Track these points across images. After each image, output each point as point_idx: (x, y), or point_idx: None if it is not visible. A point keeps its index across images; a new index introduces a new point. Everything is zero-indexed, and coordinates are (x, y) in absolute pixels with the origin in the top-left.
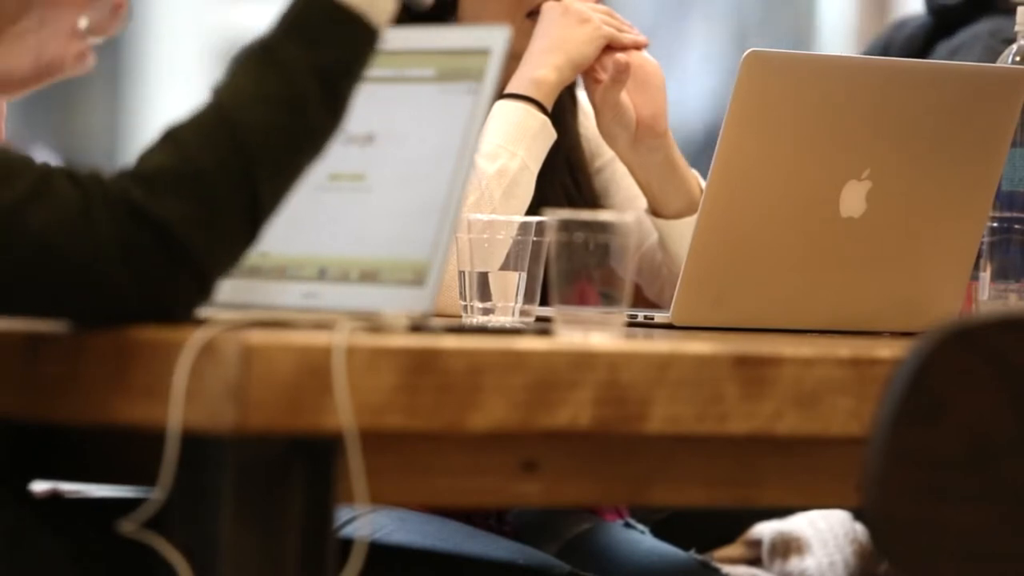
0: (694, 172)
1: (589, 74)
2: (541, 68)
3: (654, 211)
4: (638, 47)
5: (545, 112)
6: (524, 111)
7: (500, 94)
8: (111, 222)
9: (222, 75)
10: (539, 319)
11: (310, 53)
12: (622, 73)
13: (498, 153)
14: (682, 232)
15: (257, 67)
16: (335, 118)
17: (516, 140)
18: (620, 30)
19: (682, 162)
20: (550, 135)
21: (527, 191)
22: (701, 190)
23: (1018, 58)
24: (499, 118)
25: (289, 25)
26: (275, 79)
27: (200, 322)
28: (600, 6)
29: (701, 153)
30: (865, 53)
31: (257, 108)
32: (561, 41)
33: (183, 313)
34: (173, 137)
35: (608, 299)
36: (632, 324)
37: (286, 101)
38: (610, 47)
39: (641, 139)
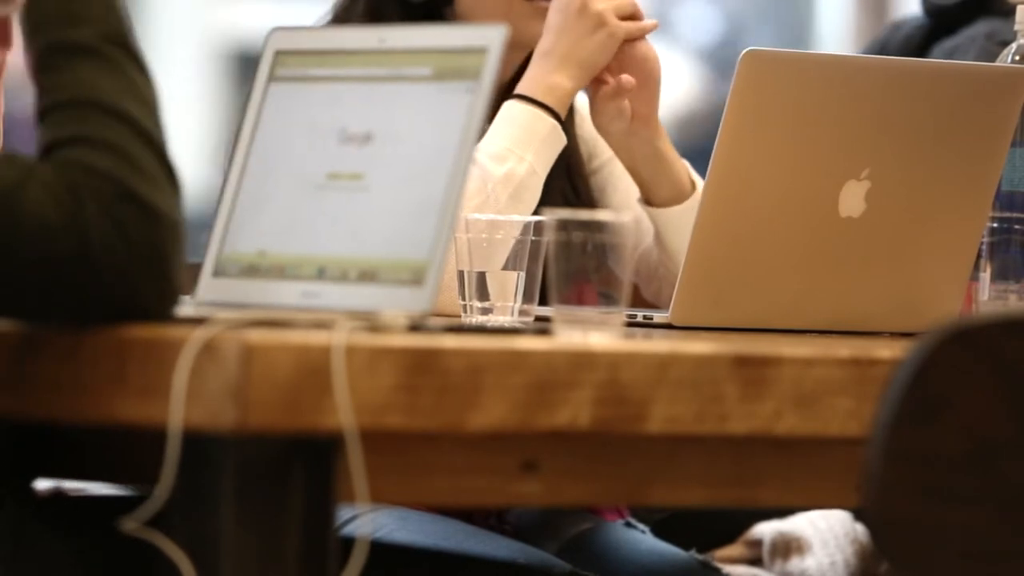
0: (684, 162)
1: (597, 75)
2: (556, 74)
3: (646, 199)
4: (647, 31)
5: (557, 118)
6: (534, 115)
7: (505, 90)
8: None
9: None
10: (538, 319)
11: (95, 28)
12: (626, 86)
13: (506, 156)
14: (674, 221)
15: (63, 60)
16: (142, 66)
17: (524, 144)
18: (634, 16)
19: (672, 152)
20: (560, 140)
21: (534, 196)
22: (691, 179)
23: (1018, 57)
24: (509, 120)
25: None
26: (89, 60)
27: (200, 321)
28: None
29: (698, 149)
30: (862, 54)
31: (96, 83)
32: (577, 48)
33: (161, 256)
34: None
35: (607, 299)
36: (631, 324)
37: (107, 70)
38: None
39: (634, 132)
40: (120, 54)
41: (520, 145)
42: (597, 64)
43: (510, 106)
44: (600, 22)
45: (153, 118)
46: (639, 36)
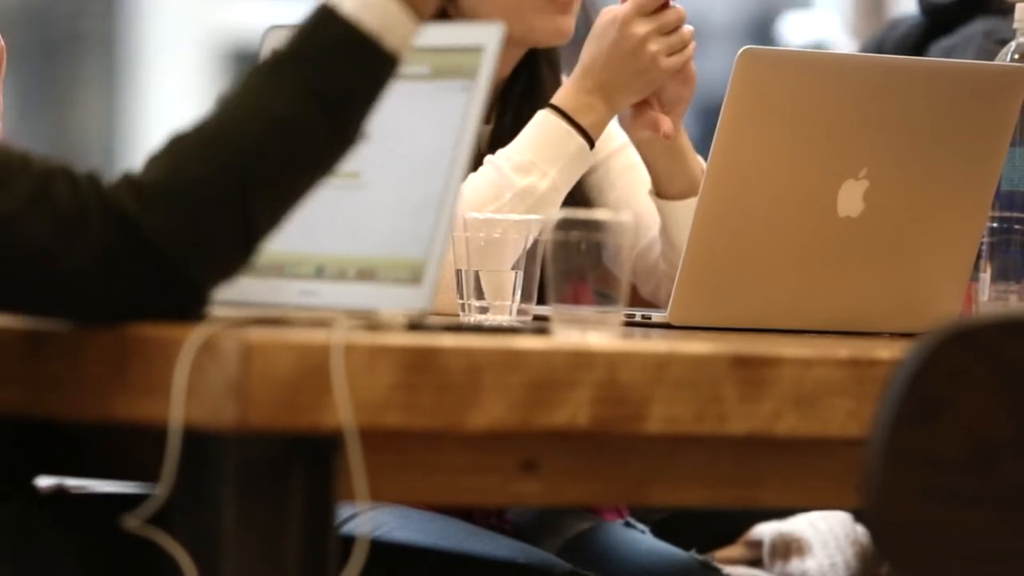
0: (699, 158)
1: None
2: (595, 96)
3: (658, 191)
4: (688, 59)
5: (587, 139)
6: (566, 132)
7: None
8: (102, 231)
9: (231, 86)
10: (536, 318)
11: (315, 75)
12: (667, 136)
13: (530, 168)
14: (685, 215)
15: (262, 84)
16: (341, 141)
17: (550, 159)
18: (684, 44)
19: (689, 147)
20: (586, 162)
21: (553, 211)
22: (704, 174)
23: (1016, 56)
24: (539, 130)
25: (299, 45)
26: (278, 99)
27: (199, 320)
28: (672, 28)
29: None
30: (859, 53)
31: (255, 127)
32: (623, 81)
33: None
34: (175, 147)
35: (604, 298)
36: (629, 324)
37: (285, 122)
38: None
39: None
40: None
41: (546, 160)
42: (638, 98)
43: (544, 116)
44: (651, 64)
45: None
46: (685, 64)
